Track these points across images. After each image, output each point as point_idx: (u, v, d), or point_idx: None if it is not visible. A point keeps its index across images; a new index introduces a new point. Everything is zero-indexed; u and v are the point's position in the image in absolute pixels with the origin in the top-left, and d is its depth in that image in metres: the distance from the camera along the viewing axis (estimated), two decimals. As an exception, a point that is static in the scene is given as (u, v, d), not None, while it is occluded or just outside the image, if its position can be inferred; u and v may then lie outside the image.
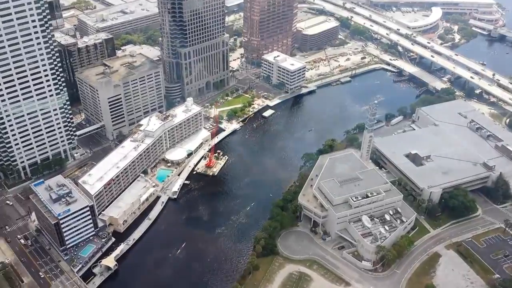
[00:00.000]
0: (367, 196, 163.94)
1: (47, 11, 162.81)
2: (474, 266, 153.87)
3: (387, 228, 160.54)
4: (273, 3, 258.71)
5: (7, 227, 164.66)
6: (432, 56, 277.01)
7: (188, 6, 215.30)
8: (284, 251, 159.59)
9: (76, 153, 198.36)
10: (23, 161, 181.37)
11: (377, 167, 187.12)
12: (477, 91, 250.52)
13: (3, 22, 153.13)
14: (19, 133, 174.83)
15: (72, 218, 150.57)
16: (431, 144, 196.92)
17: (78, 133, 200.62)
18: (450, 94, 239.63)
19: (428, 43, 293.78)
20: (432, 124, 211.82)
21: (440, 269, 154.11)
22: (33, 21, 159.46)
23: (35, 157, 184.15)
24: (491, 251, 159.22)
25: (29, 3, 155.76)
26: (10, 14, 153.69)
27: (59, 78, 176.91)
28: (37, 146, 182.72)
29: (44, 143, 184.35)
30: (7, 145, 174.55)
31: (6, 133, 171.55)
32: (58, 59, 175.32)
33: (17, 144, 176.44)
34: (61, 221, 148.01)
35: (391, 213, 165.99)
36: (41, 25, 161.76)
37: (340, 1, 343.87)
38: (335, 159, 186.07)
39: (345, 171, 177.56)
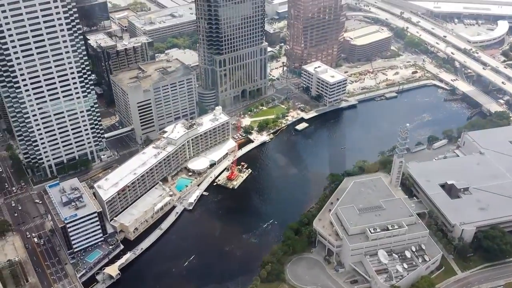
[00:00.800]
0: (387, 229, 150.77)
1: (76, 15, 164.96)
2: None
3: (406, 266, 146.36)
4: (319, 11, 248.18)
5: (24, 224, 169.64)
6: (503, 83, 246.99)
7: (224, 13, 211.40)
8: (292, 278, 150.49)
9: (103, 155, 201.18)
10: (49, 160, 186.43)
11: (406, 196, 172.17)
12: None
13: (30, 25, 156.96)
14: (46, 132, 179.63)
15: (79, 223, 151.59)
16: (472, 174, 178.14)
17: (106, 135, 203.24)
18: (504, 118, 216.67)
19: (476, 52, 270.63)
20: (477, 151, 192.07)
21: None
22: (60, 24, 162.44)
23: (61, 156, 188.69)
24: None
25: (56, 7, 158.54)
26: (37, 17, 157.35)
27: (87, 81, 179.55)
28: (63, 146, 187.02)
29: (71, 144, 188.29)
30: (34, 144, 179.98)
31: (33, 131, 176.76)
32: (87, 62, 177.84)
33: (43, 143, 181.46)
34: (67, 225, 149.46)
35: (414, 250, 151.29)
36: (68, 29, 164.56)
37: (398, 10, 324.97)
38: (360, 183, 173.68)
39: (368, 197, 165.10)
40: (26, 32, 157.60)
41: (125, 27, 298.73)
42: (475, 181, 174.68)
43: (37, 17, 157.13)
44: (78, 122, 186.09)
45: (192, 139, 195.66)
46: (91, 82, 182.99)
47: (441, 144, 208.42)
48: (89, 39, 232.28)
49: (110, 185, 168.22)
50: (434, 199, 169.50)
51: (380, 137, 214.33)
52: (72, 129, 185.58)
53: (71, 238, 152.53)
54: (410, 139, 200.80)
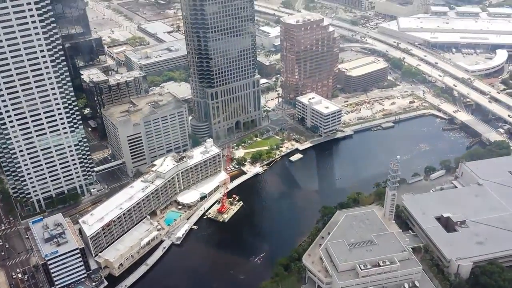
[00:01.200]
0: (378, 265, 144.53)
1: (61, 52, 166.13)
2: None
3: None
4: (311, 44, 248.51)
5: (10, 260, 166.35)
6: (510, 116, 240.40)
7: (214, 47, 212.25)
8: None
9: (93, 188, 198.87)
10: (37, 194, 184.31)
11: (400, 230, 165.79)
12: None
13: (14, 63, 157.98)
14: (33, 167, 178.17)
15: (60, 260, 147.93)
16: (470, 206, 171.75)
17: (96, 169, 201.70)
18: (504, 148, 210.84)
19: (470, 79, 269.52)
20: (475, 182, 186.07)
21: None
22: (45, 62, 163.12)
23: (49, 191, 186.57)
24: None
25: (40, 45, 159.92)
26: (21, 55, 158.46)
27: (74, 116, 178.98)
28: (51, 181, 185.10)
29: (59, 178, 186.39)
30: (21, 179, 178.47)
31: (20, 167, 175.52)
32: (74, 98, 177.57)
33: (31, 178, 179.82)
34: (48, 262, 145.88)
35: (407, 287, 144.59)
36: (53, 66, 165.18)
37: (394, 41, 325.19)
38: (353, 216, 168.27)
39: (360, 232, 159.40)
40: (10, 70, 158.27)
41: (123, 61, 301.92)
42: (472, 213, 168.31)
43: (21, 55, 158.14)
44: (66, 157, 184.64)
45: (182, 172, 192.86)
46: (79, 117, 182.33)
47: (439, 174, 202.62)
48: (82, 74, 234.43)
49: (95, 220, 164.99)
50: (429, 232, 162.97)
51: (376, 168, 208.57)
52: (60, 164, 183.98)
53: (53, 274, 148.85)
54: (408, 169, 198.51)
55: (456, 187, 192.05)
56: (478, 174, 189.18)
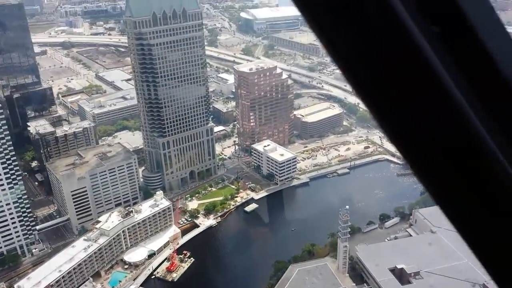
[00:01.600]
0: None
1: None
2: None
3: None
4: (265, 91, 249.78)
5: None
6: None
7: (165, 95, 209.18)
8: None
9: (35, 248, 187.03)
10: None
11: (354, 284, 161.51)
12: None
13: None
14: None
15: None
16: (423, 256, 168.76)
17: (38, 227, 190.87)
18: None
19: None
20: (429, 230, 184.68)
21: None
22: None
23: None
24: None
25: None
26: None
27: (12, 171, 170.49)
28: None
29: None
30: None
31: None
32: (13, 153, 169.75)
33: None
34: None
35: None
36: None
37: (345, 84, 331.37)
38: (305, 271, 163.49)
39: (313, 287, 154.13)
40: None
41: (77, 111, 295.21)
42: (426, 263, 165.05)
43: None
44: (5, 215, 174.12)
45: (128, 228, 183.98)
46: (18, 173, 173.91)
47: (393, 222, 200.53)
48: (29, 126, 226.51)
49: (31, 285, 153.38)
50: (383, 286, 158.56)
51: (331, 217, 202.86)
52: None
53: None
54: (363, 217, 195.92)
55: (410, 235, 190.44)
56: (431, 221, 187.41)
